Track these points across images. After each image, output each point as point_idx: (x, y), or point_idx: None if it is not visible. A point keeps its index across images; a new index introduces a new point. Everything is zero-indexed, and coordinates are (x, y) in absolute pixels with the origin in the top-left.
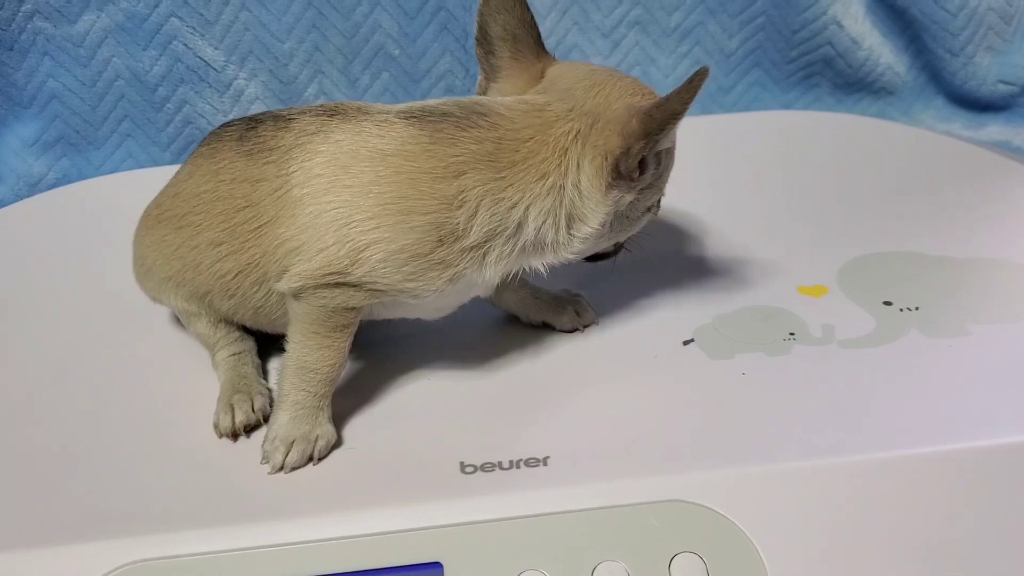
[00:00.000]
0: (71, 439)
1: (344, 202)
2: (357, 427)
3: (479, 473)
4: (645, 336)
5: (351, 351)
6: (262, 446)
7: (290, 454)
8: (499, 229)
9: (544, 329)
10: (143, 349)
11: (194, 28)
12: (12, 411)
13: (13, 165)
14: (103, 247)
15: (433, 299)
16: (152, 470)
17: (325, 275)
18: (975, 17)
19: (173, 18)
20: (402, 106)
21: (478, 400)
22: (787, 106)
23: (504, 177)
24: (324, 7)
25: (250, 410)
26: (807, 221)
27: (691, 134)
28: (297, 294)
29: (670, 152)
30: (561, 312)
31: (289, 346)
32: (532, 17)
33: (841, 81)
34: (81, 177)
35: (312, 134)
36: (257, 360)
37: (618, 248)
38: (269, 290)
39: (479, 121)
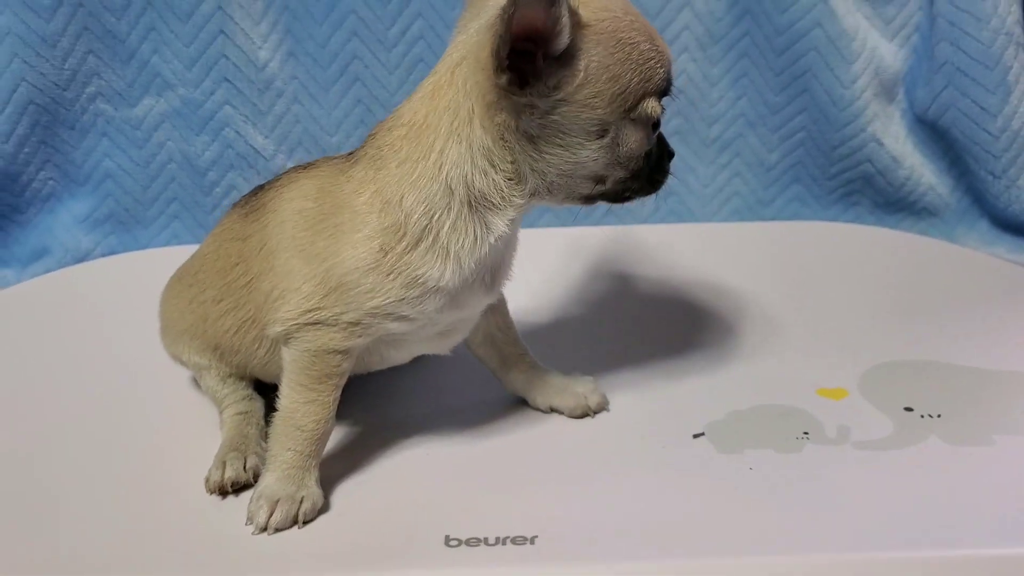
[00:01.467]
0: (70, 484)
1: (304, 241)
2: (345, 491)
3: (464, 547)
4: (655, 426)
5: (347, 414)
6: (248, 505)
7: (274, 514)
8: (430, 208)
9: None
10: (156, 410)
11: (247, 117)
12: (26, 456)
13: (63, 239)
14: (135, 315)
15: (415, 319)
16: (139, 521)
17: (302, 314)
18: (1018, 140)
19: (227, 106)
20: None
21: (471, 473)
22: (827, 221)
23: (411, 157)
24: (373, 104)
25: (241, 468)
26: (834, 326)
27: (730, 240)
28: (284, 340)
29: (598, 62)
30: (570, 396)
31: (279, 403)
32: None
33: (882, 200)
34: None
35: (284, 187)
36: (262, 423)
37: (621, 189)
38: (270, 345)
39: (390, 124)
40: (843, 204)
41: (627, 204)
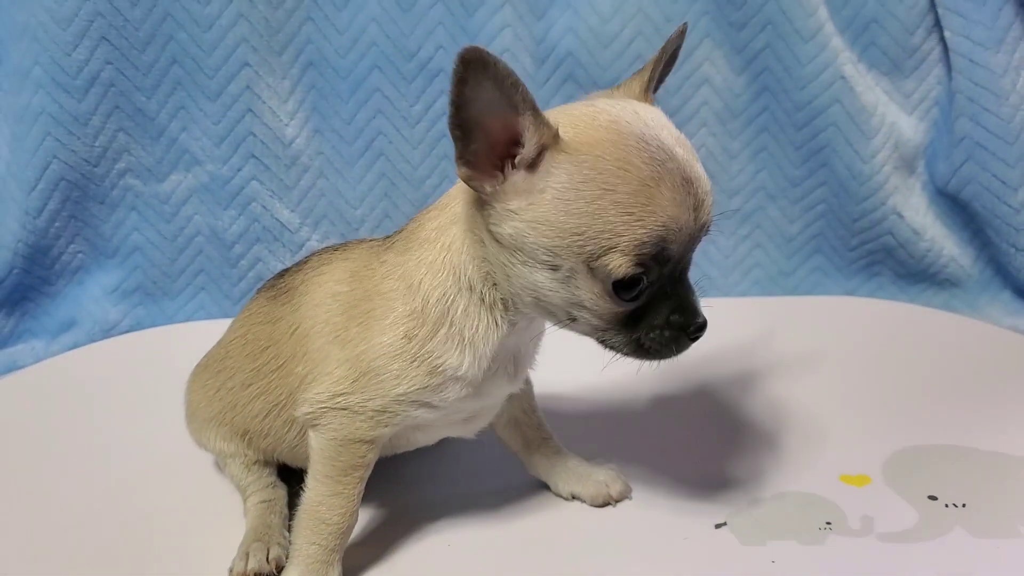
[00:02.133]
0: (92, 570)
1: (338, 326)
2: None
3: None
4: (677, 516)
5: (370, 498)
6: None
7: None
8: (444, 293)
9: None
10: (181, 493)
11: (273, 192)
12: (51, 537)
13: (91, 311)
14: (161, 391)
15: (439, 406)
16: None
17: (331, 397)
18: None
19: (254, 181)
20: None
21: (492, 564)
22: (849, 293)
23: (429, 239)
24: (396, 178)
25: (264, 560)
26: (857, 407)
27: (751, 314)
28: (312, 424)
29: (557, 189)
30: (591, 484)
31: (304, 495)
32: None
33: (903, 271)
34: (154, 326)
35: (315, 269)
36: (285, 511)
37: (600, 339)
38: (300, 428)
39: (429, 207)
40: (865, 275)
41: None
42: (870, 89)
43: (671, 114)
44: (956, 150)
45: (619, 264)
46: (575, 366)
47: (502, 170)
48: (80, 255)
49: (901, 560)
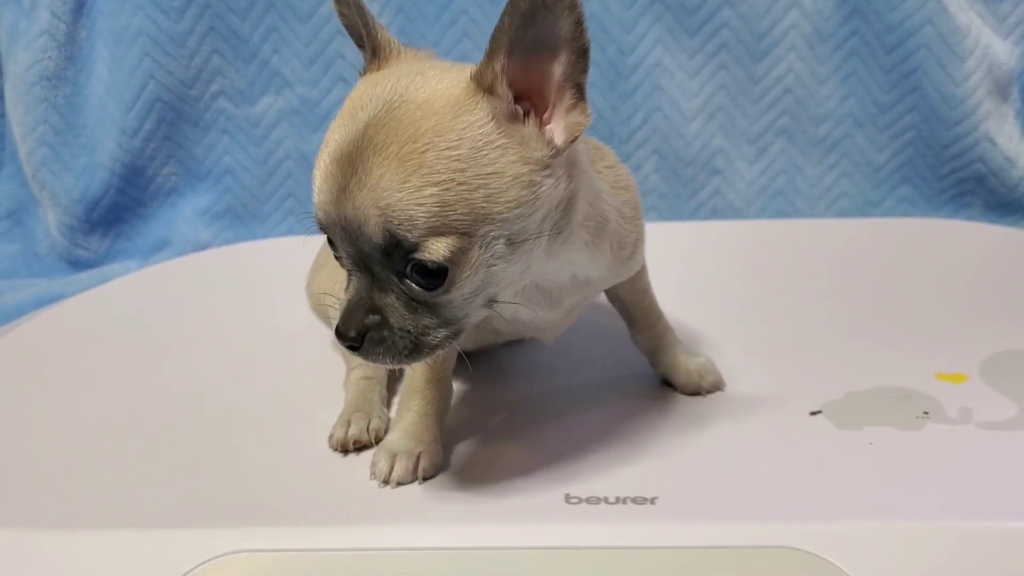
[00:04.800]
0: (203, 441)
1: None
2: (467, 452)
3: (584, 504)
4: (771, 403)
5: (472, 386)
6: (371, 458)
7: (395, 468)
8: None
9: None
10: (274, 380)
11: None
12: (165, 415)
13: (183, 231)
14: (250, 300)
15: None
16: (268, 474)
17: None
18: None
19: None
20: None
21: (590, 438)
22: None
23: None
24: None
25: (365, 428)
26: (950, 316)
27: (840, 236)
28: None
29: None
30: (684, 372)
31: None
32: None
33: (994, 201)
34: None
35: None
36: (384, 392)
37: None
38: None
39: None
40: (954, 205)
41: None
42: (963, 11)
43: (758, 39)
44: None
45: None
46: (666, 278)
47: None
48: (173, 177)
49: (1002, 444)
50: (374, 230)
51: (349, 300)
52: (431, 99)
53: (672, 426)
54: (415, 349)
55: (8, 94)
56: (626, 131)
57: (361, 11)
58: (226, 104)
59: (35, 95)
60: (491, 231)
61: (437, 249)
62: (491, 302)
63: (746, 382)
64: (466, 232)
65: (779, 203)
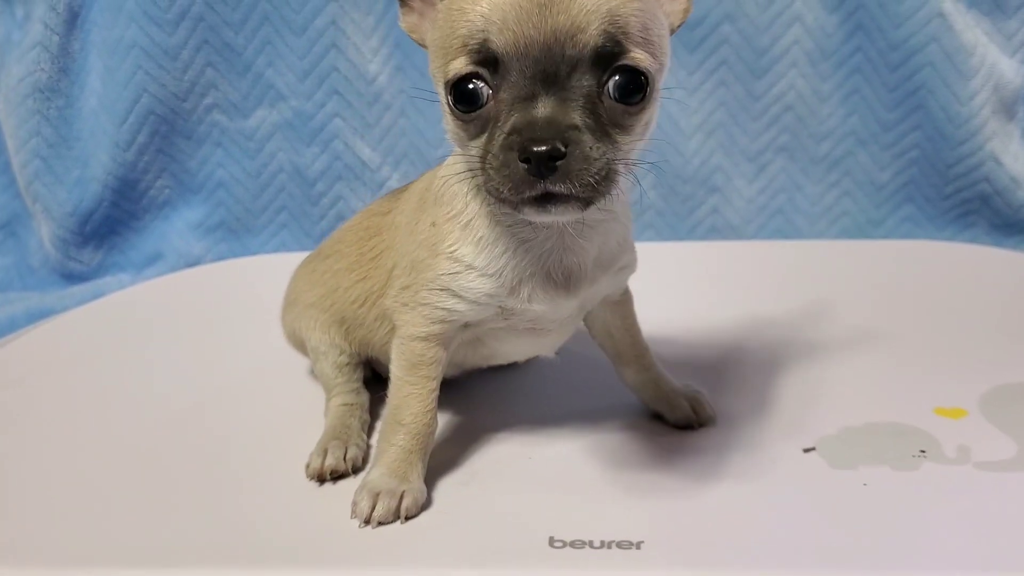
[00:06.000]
0: (179, 471)
1: (413, 220)
2: (450, 490)
3: (568, 549)
4: (764, 439)
5: (456, 413)
6: (353, 497)
7: (377, 507)
8: (452, 179)
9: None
10: (260, 404)
11: (355, 129)
12: (149, 442)
13: (176, 245)
14: (241, 316)
15: (474, 301)
16: (245, 511)
17: (398, 291)
18: None
19: (337, 119)
20: None
21: (575, 477)
22: None
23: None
24: None
25: (342, 458)
26: (951, 346)
27: (840, 258)
28: (393, 313)
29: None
30: (677, 406)
31: (387, 401)
32: None
33: (999, 221)
34: None
35: (425, 174)
36: (366, 417)
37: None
38: (389, 325)
39: None
40: (958, 225)
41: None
42: (970, 28)
43: (759, 55)
44: None
45: (452, 68)
46: (658, 298)
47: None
48: (167, 190)
49: (1001, 488)
50: (594, 34)
51: (538, 114)
52: None
53: (661, 463)
54: (607, 176)
55: (1, 106)
56: None
57: None
58: (220, 117)
59: (28, 107)
60: (660, 70)
61: (644, 58)
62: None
63: (739, 414)
64: (653, 55)
65: (779, 222)
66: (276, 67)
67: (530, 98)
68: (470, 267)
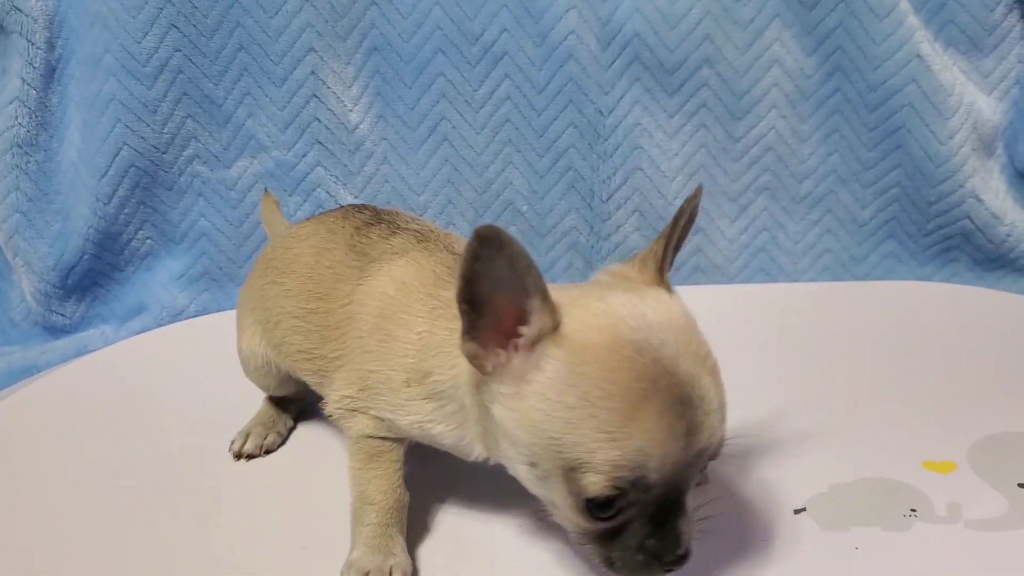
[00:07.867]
0: (167, 540)
1: (368, 329)
2: (435, 561)
3: None
4: (754, 500)
5: (436, 485)
6: None
7: None
8: (449, 389)
9: None
10: (248, 470)
11: (337, 178)
12: (133, 506)
13: (159, 296)
14: (226, 373)
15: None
16: None
17: (342, 399)
18: None
19: (319, 168)
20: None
21: (558, 535)
22: (924, 280)
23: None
24: (460, 164)
25: (259, 444)
26: (938, 393)
27: (822, 300)
28: (338, 420)
29: (541, 386)
30: None
31: (349, 481)
32: None
33: (981, 256)
34: (220, 311)
35: (392, 254)
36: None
37: (573, 538)
38: (320, 383)
39: None
40: (940, 261)
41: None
42: (947, 68)
43: (738, 97)
44: None
45: (592, 482)
46: None
47: (506, 349)
48: (149, 241)
49: (992, 548)
50: (719, 443)
51: (682, 531)
52: (681, 312)
53: None
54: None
55: None
56: (606, 191)
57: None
58: (201, 168)
59: (6, 162)
60: None
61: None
62: None
63: (729, 472)
64: None
65: (762, 260)
66: (256, 118)
67: (670, 510)
68: (437, 436)
